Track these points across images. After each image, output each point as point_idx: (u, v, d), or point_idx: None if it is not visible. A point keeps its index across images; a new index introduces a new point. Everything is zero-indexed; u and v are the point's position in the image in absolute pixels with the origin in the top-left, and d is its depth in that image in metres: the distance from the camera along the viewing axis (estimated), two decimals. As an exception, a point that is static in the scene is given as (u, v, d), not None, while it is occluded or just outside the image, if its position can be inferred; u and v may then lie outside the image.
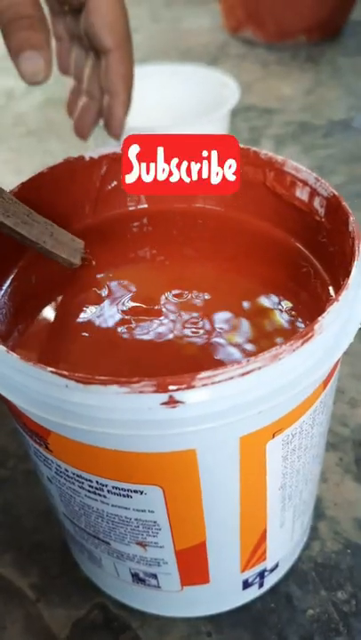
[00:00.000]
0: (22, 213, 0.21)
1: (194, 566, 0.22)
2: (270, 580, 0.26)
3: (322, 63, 0.81)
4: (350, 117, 0.68)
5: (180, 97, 0.51)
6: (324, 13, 0.83)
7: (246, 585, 0.25)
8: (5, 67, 0.69)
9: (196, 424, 0.15)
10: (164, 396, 0.15)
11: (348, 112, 0.69)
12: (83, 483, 0.19)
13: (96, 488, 0.19)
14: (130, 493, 0.18)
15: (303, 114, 0.69)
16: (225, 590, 0.25)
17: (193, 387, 0.14)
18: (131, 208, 0.26)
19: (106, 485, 0.18)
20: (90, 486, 0.19)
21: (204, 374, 0.14)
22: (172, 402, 0.15)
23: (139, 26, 1.00)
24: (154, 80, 0.51)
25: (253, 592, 0.26)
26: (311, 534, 0.29)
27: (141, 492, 0.18)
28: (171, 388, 0.14)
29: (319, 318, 0.15)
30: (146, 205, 0.26)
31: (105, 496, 0.19)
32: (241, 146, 0.23)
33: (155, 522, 0.19)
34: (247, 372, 0.14)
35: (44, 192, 0.23)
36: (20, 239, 0.21)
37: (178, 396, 0.15)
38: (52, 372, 0.15)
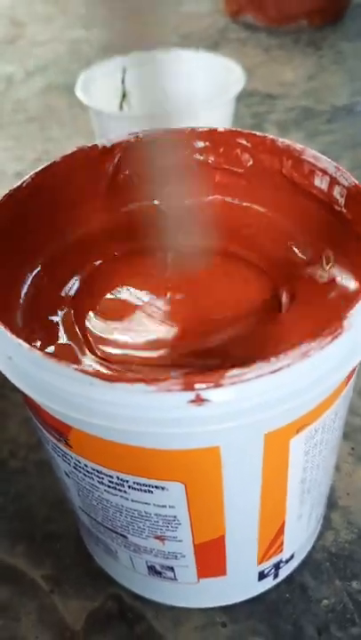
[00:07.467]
0: None
1: (212, 559, 0.22)
2: (285, 571, 0.26)
3: (324, 48, 0.80)
4: (354, 103, 0.67)
5: (184, 82, 0.50)
6: (326, -4, 0.82)
7: (262, 576, 0.25)
8: (4, 52, 0.67)
9: (222, 422, 0.15)
10: (191, 395, 0.14)
11: (352, 97, 0.68)
12: (103, 478, 0.19)
13: (116, 483, 0.19)
14: (151, 489, 0.18)
15: (306, 99, 0.68)
16: (241, 582, 0.25)
17: (221, 385, 0.14)
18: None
19: (127, 481, 0.18)
20: (110, 482, 0.19)
21: (232, 372, 0.14)
22: (198, 400, 0.14)
23: (138, 9, 0.98)
24: (156, 65, 0.50)
25: (268, 583, 0.26)
26: (324, 524, 0.29)
27: (163, 488, 0.18)
28: (198, 386, 0.14)
29: (347, 314, 0.15)
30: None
31: (125, 491, 0.19)
32: (257, 134, 0.23)
33: (175, 516, 0.19)
34: (276, 370, 0.14)
35: (57, 180, 0.23)
36: None
37: (205, 394, 0.14)
38: (76, 369, 0.15)
